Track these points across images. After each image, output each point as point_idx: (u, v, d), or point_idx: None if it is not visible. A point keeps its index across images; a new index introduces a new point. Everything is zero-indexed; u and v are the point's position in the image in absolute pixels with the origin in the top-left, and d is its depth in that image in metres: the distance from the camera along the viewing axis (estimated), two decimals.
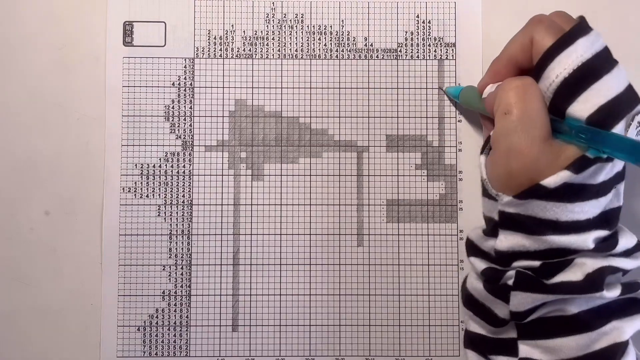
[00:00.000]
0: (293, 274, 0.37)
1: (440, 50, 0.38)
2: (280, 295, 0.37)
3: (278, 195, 0.37)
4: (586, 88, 0.27)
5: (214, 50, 0.38)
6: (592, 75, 0.27)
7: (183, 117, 0.37)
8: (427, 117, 0.38)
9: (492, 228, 0.30)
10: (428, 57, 0.38)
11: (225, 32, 0.38)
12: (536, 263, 0.28)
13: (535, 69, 0.29)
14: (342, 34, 0.38)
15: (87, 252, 0.37)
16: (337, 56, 0.38)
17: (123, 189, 0.37)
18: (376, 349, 0.37)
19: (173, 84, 0.38)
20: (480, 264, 0.30)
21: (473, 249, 0.32)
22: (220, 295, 0.37)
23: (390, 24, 0.38)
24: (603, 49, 0.28)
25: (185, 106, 0.37)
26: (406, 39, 0.38)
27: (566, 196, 0.27)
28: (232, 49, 0.38)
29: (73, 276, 0.37)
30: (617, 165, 0.29)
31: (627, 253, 0.29)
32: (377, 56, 0.38)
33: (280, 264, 0.37)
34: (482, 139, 0.37)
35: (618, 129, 0.26)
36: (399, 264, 0.37)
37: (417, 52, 0.38)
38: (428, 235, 0.37)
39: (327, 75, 0.38)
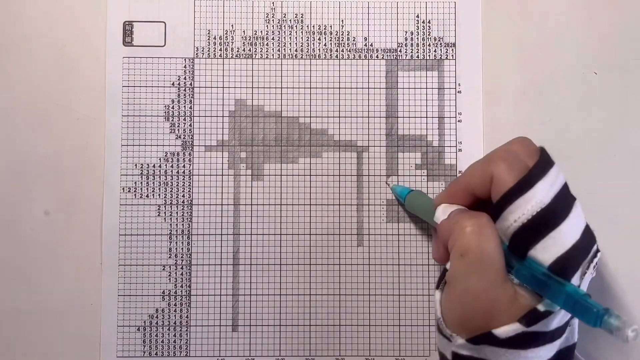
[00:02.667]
0: (293, 274, 0.37)
1: (440, 50, 0.38)
2: (280, 295, 0.37)
3: (278, 195, 0.37)
4: (545, 236, 0.26)
5: (214, 50, 0.38)
6: (551, 223, 0.26)
7: (183, 117, 0.37)
8: (427, 117, 0.38)
9: None
10: (428, 57, 0.38)
11: (225, 32, 0.38)
12: None
13: (494, 207, 0.28)
14: (342, 34, 0.38)
15: (87, 252, 0.37)
16: (337, 56, 0.38)
17: (123, 188, 0.37)
18: (376, 349, 0.37)
19: (173, 84, 0.38)
20: None
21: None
22: (220, 295, 0.37)
23: (390, 24, 0.38)
24: (562, 188, 0.27)
25: (185, 106, 0.37)
26: (406, 39, 0.38)
27: (519, 344, 0.26)
28: (232, 48, 0.38)
29: (73, 276, 0.37)
30: None
31: None
32: (377, 56, 0.38)
33: (280, 264, 0.37)
34: (481, 140, 0.37)
35: (575, 279, 0.26)
36: (399, 264, 0.37)
37: (417, 52, 0.38)
38: (428, 235, 0.37)
39: (327, 75, 0.38)
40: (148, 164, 0.37)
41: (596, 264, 0.28)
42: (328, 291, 0.37)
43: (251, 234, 0.37)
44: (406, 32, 0.38)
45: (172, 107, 0.37)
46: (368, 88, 0.38)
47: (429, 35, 0.38)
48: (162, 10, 0.38)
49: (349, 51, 0.38)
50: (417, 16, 0.38)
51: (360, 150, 0.37)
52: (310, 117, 0.38)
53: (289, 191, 0.37)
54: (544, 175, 0.27)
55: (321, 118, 0.38)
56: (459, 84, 0.38)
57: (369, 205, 0.37)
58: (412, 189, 0.36)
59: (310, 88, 0.38)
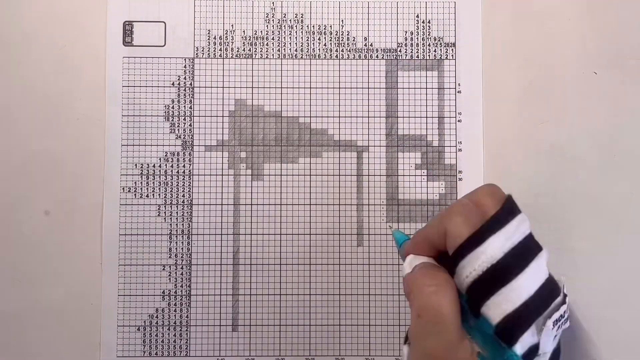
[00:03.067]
0: (293, 274, 0.37)
1: (440, 50, 0.38)
2: (280, 295, 0.37)
3: (278, 195, 0.37)
4: (495, 292, 0.26)
5: (214, 50, 0.38)
6: (502, 278, 0.26)
7: (183, 117, 0.37)
8: (427, 117, 0.38)
9: None
10: (428, 57, 0.38)
11: (225, 32, 0.38)
12: None
13: (450, 263, 0.27)
14: (342, 34, 0.38)
15: (87, 252, 0.37)
16: (337, 56, 0.38)
17: (123, 188, 0.37)
18: (376, 348, 0.37)
19: (173, 83, 0.38)
20: None
21: None
22: (220, 295, 0.37)
23: (390, 24, 0.38)
24: (521, 241, 0.27)
25: (185, 106, 0.37)
26: (406, 39, 0.38)
27: None
28: (232, 48, 0.38)
29: (73, 276, 0.37)
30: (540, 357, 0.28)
31: None
32: (377, 56, 0.38)
33: (280, 264, 0.37)
34: (481, 140, 0.37)
35: (526, 336, 0.26)
36: (399, 264, 0.37)
37: (417, 52, 0.38)
38: None
39: (327, 75, 0.38)
40: (148, 164, 0.37)
41: (563, 315, 0.27)
42: (328, 291, 0.37)
43: (251, 234, 0.37)
44: (406, 32, 0.38)
45: (172, 107, 0.37)
46: (368, 88, 0.38)
47: (429, 35, 0.38)
48: (162, 10, 0.38)
49: (349, 51, 0.38)
50: (417, 16, 0.38)
51: (360, 150, 0.37)
52: (310, 117, 0.38)
53: (289, 191, 0.37)
54: (500, 229, 0.27)
55: (321, 118, 0.38)
56: (459, 84, 0.38)
57: (369, 205, 0.37)
58: (409, 236, 0.36)
59: (310, 88, 0.38)
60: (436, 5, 0.38)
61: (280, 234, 0.37)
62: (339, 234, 0.37)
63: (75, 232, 0.37)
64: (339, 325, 0.37)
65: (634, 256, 0.37)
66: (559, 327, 0.27)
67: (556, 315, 0.27)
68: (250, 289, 0.37)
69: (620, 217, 0.37)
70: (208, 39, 0.38)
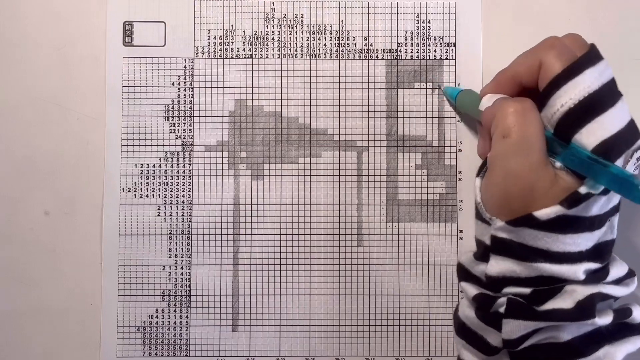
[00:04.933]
0: (293, 274, 0.37)
1: (440, 50, 0.38)
2: (280, 295, 0.37)
3: (278, 195, 0.37)
4: (590, 120, 0.27)
5: (214, 50, 0.38)
6: (598, 108, 0.27)
7: (183, 117, 0.37)
8: (427, 117, 0.38)
9: (483, 252, 0.30)
10: (428, 57, 0.38)
11: (225, 32, 0.38)
12: (527, 290, 0.28)
13: (541, 94, 0.28)
14: (342, 34, 0.38)
15: (87, 252, 0.37)
16: (337, 56, 0.38)
17: (123, 189, 0.37)
18: (376, 349, 0.37)
19: (173, 84, 0.38)
20: (472, 290, 0.30)
21: (464, 273, 0.32)
22: (220, 295, 0.37)
23: (390, 24, 0.38)
24: (610, 80, 0.28)
25: (185, 106, 0.37)
26: (406, 39, 0.38)
27: (559, 228, 0.27)
28: (232, 48, 0.38)
29: (73, 276, 0.37)
30: (613, 199, 0.28)
31: (618, 281, 0.29)
32: (377, 56, 0.38)
33: (280, 264, 0.37)
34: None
35: (617, 164, 0.26)
36: (399, 264, 0.37)
37: (417, 52, 0.38)
38: (428, 235, 0.37)
39: (327, 75, 0.38)
40: (148, 164, 0.37)
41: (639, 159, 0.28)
42: (328, 291, 0.37)
43: (251, 234, 0.37)
44: (406, 32, 0.38)
45: (172, 107, 0.37)
46: (368, 88, 0.38)
47: (429, 35, 0.38)
48: (162, 10, 0.38)
49: (349, 51, 0.38)
50: (417, 16, 0.38)
51: (360, 150, 0.37)
52: (310, 117, 0.38)
53: (289, 191, 0.37)
54: (593, 65, 0.27)
55: (321, 118, 0.38)
56: (459, 84, 0.38)
57: (369, 205, 0.37)
58: (462, 88, 0.36)
59: (310, 88, 0.38)
60: (436, 5, 0.38)
61: (280, 234, 0.37)
62: (339, 234, 0.37)
63: (75, 232, 0.37)
64: (339, 325, 0.37)
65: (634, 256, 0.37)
66: (636, 167, 0.28)
67: (639, 153, 0.27)
68: (250, 289, 0.37)
69: (620, 217, 0.37)
70: (208, 39, 0.38)
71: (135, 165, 0.37)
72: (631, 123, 0.28)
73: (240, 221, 0.37)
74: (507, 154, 0.28)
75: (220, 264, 0.37)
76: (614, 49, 0.38)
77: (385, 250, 0.37)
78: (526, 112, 0.28)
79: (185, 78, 0.38)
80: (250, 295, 0.37)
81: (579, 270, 0.27)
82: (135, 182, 0.37)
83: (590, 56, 0.28)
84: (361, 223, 0.37)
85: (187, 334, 0.37)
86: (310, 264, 0.37)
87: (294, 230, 0.37)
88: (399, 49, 0.38)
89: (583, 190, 0.26)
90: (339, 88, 0.38)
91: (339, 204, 0.37)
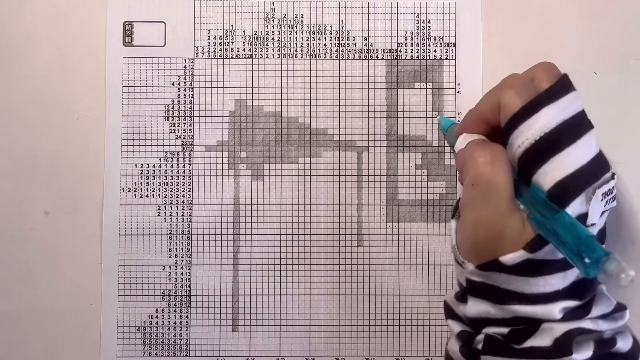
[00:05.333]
0: (293, 274, 0.37)
1: (440, 50, 0.38)
2: (280, 295, 0.37)
3: (278, 195, 0.37)
4: (546, 160, 0.26)
5: (214, 50, 0.38)
6: (554, 147, 0.26)
7: (183, 117, 0.37)
8: (427, 117, 0.38)
9: (462, 293, 0.30)
10: (428, 57, 0.38)
11: (225, 32, 0.38)
12: (505, 330, 0.28)
13: (503, 134, 0.28)
14: (342, 34, 0.38)
15: (87, 252, 0.37)
16: (337, 56, 0.38)
17: (123, 189, 0.37)
18: (376, 349, 0.37)
19: (173, 84, 0.38)
20: (456, 327, 0.30)
21: (449, 311, 0.32)
22: (220, 295, 0.37)
23: (390, 24, 0.38)
24: (575, 115, 0.27)
25: (185, 106, 0.37)
26: (406, 39, 0.38)
27: (528, 271, 0.27)
28: (232, 49, 0.38)
29: (73, 276, 0.37)
30: None
31: (604, 316, 0.28)
32: (377, 56, 0.38)
33: (280, 264, 0.37)
34: None
35: (575, 203, 0.26)
36: (399, 264, 0.37)
37: (417, 52, 0.38)
38: (428, 235, 0.37)
39: (327, 75, 0.38)
40: (148, 164, 0.37)
41: (612, 191, 0.27)
42: (328, 291, 0.37)
43: (251, 234, 0.37)
44: (406, 32, 0.38)
45: (172, 107, 0.37)
46: (368, 88, 0.38)
47: (429, 35, 0.38)
48: (162, 10, 0.38)
49: (349, 51, 0.38)
50: (417, 16, 0.38)
51: (360, 150, 0.37)
52: (310, 117, 0.38)
53: (289, 191, 0.37)
54: (553, 101, 0.27)
55: (321, 118, 0.38)
56: (459, 84, 0.38)
57: (369, 205, 0.37)
58: (455, 121, 0.36)
59: (310, 88, 0.38)
60: (436, 5, 0.38)
61: (280, 234, 0.37)
62: (339, 234, 0.37)
63: (75, 232, 0.37)
64: (339, 325, 0.37)
65: (634, 257, 0.37)
66: (607, 202, 0.27)
67: (605, 188, 0.27)
68: (250, 289, 0.37)
69: (620, 217, 0.37)
70: (208, 39, 0.38)
71: (135, 165, 0.37)
72: (597, 157, 0.27)
73: (240, 221, 0.37)
74: (475, 202, 0.27)
75: (220, 264, 0.37)
76: (614, 49, 0.38)
77: (385, 250, 0.37)
78: (495, 160, 0.27)
79: (185, 78, 0.38)
80: (250, 295, 0.37)
81: (554, 309, 0.27)
82: (135, 182, 0.37)
83: (553, 91, 0.27)
84: (361, 223, 0.37)
85: (187, 334, 0.37)
86: (310, 264, 0.37)
87: (294, 230, 0.37)
88: (399, 49, 0.38)
89: (544, 234, 0.26)
90: (339, 88, 0.38)
91: (339, 204, 0.37)
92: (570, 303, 0.27)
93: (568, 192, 0.26)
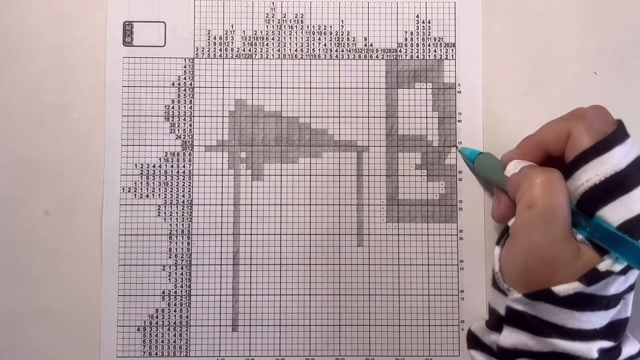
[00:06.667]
0: (293, 274, 0.37)
1: (440, 50, 0.38)
2: (280, 295, 0.37)
3: (278, 195, 0.37)
4: (615, 199, 0.27)
5: (214, 50, 0.38)
6: (623, 187, 0.27)
7: (183, 117, 0.37)
8: (427, 117, 0.38)
9: (497, 322, 0.30)
10: (428, 57, 0.38)
11: (225, 32, 0.38)
12: None
13: (568, 166, 0.28)
14: (342, 34, 0.38)
15: (87, 252, 0.37)
16: (337, 56, 0.38)
17: (123, 189, 0.37)
18: (376, 349, 0.37)
19: (173, 84, 0.38)
20: (480, 358, 0.30)
21: (474, 341, 0.31)
22: (220, 295, 0.37)
23: (390, 24, 0.38)
24: (636, 158, 0.28)
25: (185, 106, 0.37)
26: (406, 39, 0.38)
27: (576, 305, 0.27)
28: (232, 49, 0.38)
29: (73, 276, 0.37)
30: (630, 278, 0.28)
31: (632, 358, 0.29)
32: (377, 56, 0.38)
33: (280, 264, 0.37)
34: (481, 140, 0.37)
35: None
36: (399, 264, 0.37)
37: (417, 52, 0.38)
38: (428, 235, 0.37)
39: (327, 75, 0.38)
40: (148, 164, 0.37)
41: None
42: (328, 291, 0.37)
43: (251, 234, 0.37)
44: (406, 32, 0.38)
45: (172, 107, 0.37)
46: (368, 88, 0.38)
47: (429, 35, 0.38)
48: (162, 10, 0.38)
49: (349, 51, 0.38)
50: (417, 16, 0.38)
51: (360, 150, 0.37)
52: (310, 117, 0.38)
53: (289, 191, 0.37)
54: (621, 143, 0.27)
55: (321, 118, 0.38)
56: (459, 84, 0.38)
57: (369, 205, 0.37)
58: (481, 151, 0.36)
59: (310, 88, 0.38)
60: (436, 5, 0.38)
61: (280, 234, 0.37)
62: (339, 234, 0.37)
63: (75, 232, 0.37)
64: (339, 325, 0.37)
65: None
66: None
67: None
68: (250, 289, 0.37)
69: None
70: (208, 39, 0.38)
71: (135, 165, 0.37)
72: None
73: (240, 221, 0.37)
74: (531, 225, 0.27)
75: (220, 264, 0.37)
76: (614, 49, 0.38)
77: (385, 250, 0.37)
78: (554, 183, 0.27)
79: (185, 78, 0.38)
80: (250, 295, 0.37)
81: (592, 348, 0.27)
82: (135, 182, 0.37)
83: (620, 134, 0.28)
84: (361, 223, 0.37)
85: (187, 334, 0.37)
86: (310, 264, 0.37)
87: (294, 230, 0.37)
88: (399, 49, 0.38)
89: (602, 267, 0.26)
90: (339, 88, 0.38)
91: (339, 204, 0.37)
92: (606, 344, 0.27)
93: (636, 230, 0.26)
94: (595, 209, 0.27)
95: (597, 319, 0.27)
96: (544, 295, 0.27)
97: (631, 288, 0.29)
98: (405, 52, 0.38)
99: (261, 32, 0.38)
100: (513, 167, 0.30)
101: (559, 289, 0.26)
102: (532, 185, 0.27)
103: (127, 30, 0.38)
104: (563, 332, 0.27)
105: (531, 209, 0.27)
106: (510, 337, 0.28)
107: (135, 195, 0.37)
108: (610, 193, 0.27)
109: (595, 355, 0.27)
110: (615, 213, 0.26)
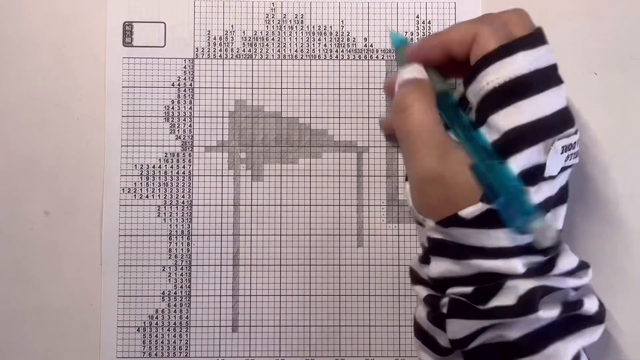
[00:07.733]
0: (293, 274, 0.37)
1: None
2: (280, 295, 0.37)
3: (278, 196, 0.37)
4: (510, 103, 0.26)
5: (214, 51, 0.38)
6: (521, 92, 0.26)
7: (183, 118, 0.37)
8: None
9: (425, 255, 0.30)
10: None
11: (225, 33, 0.38)
12: (468, 289, 0.27)
13: (472, 69, 0.27)
14: (342, 34, 0.38)
15: (87, 252, 0.37)
16: (337, 56, 0.38)
17: (123, 189, 0.37)
18: (376, 349, 0.37)
19: (173, 84, 0.38)
20: (422, 292, 0.29)
21: (414, 276, 0.31)
22: (220, 295, 0.37)
23: (390, 24, 0.38)
24: (547, 67, 0.27)
25: (185, 106, 0.37)
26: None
27: (488, 224, 0.26)
28: (232, 49, 0.38)
29: (73, 276, 0.37)
30: (545, 189, 0.27)
31: (569, 273, 0.27)
32: (377, 56, 0.38)
33: (280, 264, 0.37)
34: None
35: (532, 153, 0.25)
36: (399, 264, 0.37)
37: None
38: None
39: (327, 76, 0.38)
40: (148, 165, 0.37)
41: (573, 146, 0.27)
42: (328, 291, 0.37)
43: (251, 234, 0.37)
44: (406, 32, 0.38)
45: (172, 108, 0.37)
46: (368, 88, 0.38)
47: (428, 35, 0.38)
48: (162, 10, 0.38)
49: (349, 51, 0.38)
50: (417, 16, 0.38)
51: (360, 150, 0.37)
52: (310, 117, 0.38)
53: (289, 191, 0.37)
54: (530, 48, 0.27)
55: (321, 118, 0.38)
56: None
57: (369, 205, 0.37)
58: (410, 42, 0.34)
59: (310, 88, 0.38)
60: (436, 5, 0.38)
61: (280, 234, 0.37)
62: (339, 234, 0.37)
63: (75, 232, 0.37)
64: (339, 325, 0.37)
65: (634, 257, 0.37)
66: (568, 157, 0.27)
67: (565, 141, 0.26)
68: (250, 289, 0.37)
69: (620, 217, 0.37)
70: (208, 40, 0.38)
71: (135, 165, 0.37)
72: (563, 111, 0.27)
73: (240, 221, 0.37)
74: (409, 154, 0.27)
75: (220, 264, 0.37)
76: (614, 49, 0.38)
77: (385, 250, 0.37)
78: (416, 104, 0.28)
79: (185, 78, 0.38)
80: (250, 295, 0.37)
81: (517, 263, 0.26)
82: (135, 183, 0.37)
83: (530, 39, 0.27)
84: (361, 223, 0.37)
85: (187, 334, 0.37)
86: (310, 264, 0.37)
87: (294, 230, 0.37)
88: None
89: None
90: (339, 88, 0.38)
91: (339, 204, 0.37)
92: (534, 258, 0.27)
93: (524, 139, 0.26)
94: (490, 113, 0.26)
95: (517, 235, 0.26)
96: (453, 221, 0.26)
97: (559, 200, 0.28)
98: None
99: (261, 32, 0.38)
100: (409, 72, 0.30)
101: (465, 212, 0.26)
102: (396, 116, 0.28)
103: (127, 30, 0.38)
104: (483, 252, 0.26)
105: (402, 142, 0.28)
106: (437, 267, 0.28)
107: (135, 195, 0.37)
108: (506, 96, 0.26)
109: (522, 269, 0.26)
110: (508, 118, 0.26)
